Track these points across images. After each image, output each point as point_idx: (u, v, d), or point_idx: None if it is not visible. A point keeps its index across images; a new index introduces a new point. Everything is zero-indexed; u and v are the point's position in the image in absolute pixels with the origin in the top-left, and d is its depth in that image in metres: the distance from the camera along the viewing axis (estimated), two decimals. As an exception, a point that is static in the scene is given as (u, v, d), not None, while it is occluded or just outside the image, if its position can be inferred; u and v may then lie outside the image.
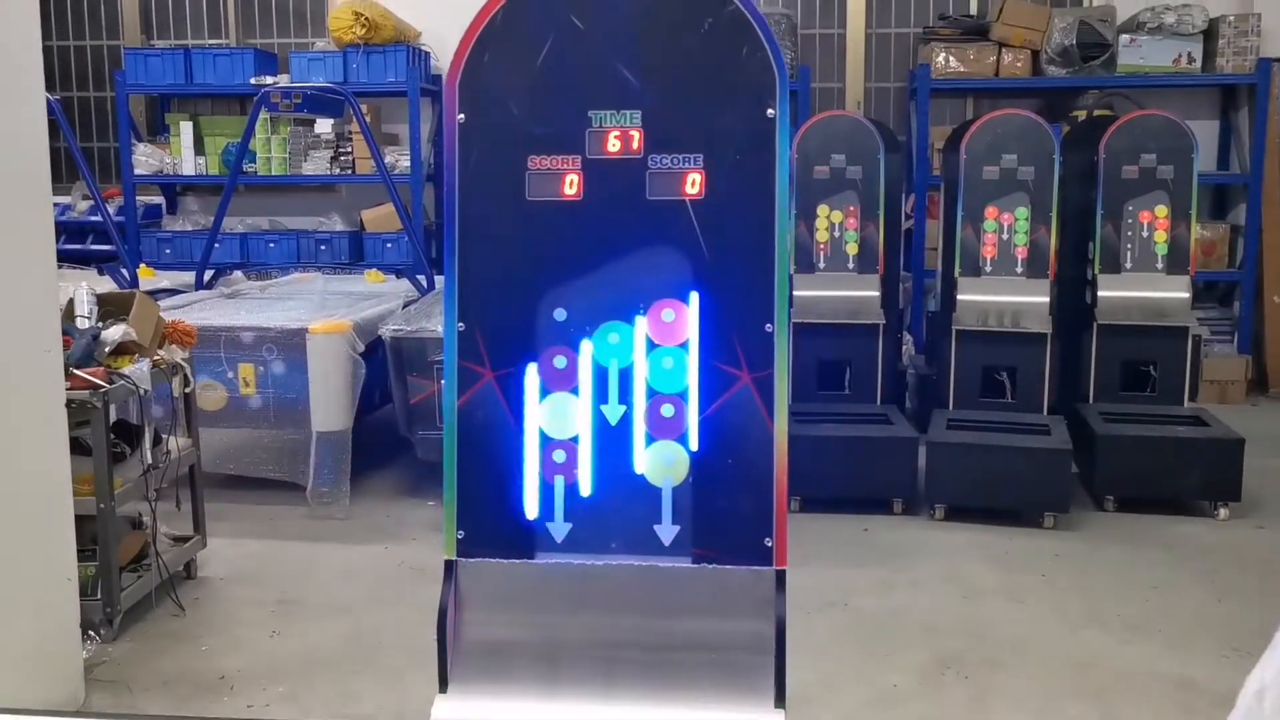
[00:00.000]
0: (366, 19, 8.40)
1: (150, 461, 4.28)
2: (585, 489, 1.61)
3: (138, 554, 4.37)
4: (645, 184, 1.61)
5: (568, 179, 1.61)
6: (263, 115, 8.49)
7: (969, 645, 4.11)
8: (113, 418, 4.23)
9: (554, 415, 1.61)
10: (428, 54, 8.89)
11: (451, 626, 1.63)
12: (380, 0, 8.60)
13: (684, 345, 1.60)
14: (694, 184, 1.60)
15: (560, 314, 1.61)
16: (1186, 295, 6.16)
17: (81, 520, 3.83)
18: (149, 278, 7.51)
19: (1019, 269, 6.01)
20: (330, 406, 5.47)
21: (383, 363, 5.73)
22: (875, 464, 5.60)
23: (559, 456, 1.61)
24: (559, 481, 1.61)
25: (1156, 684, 3.79)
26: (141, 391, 4.13)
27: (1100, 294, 6.18)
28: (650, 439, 1.60)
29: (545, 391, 1.61)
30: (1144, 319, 6.11)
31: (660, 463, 1.59)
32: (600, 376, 1.61)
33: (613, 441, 1.61)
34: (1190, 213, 6.15)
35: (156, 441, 4.43)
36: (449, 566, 1.65)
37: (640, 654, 1.58)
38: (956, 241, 6.09)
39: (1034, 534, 5.31)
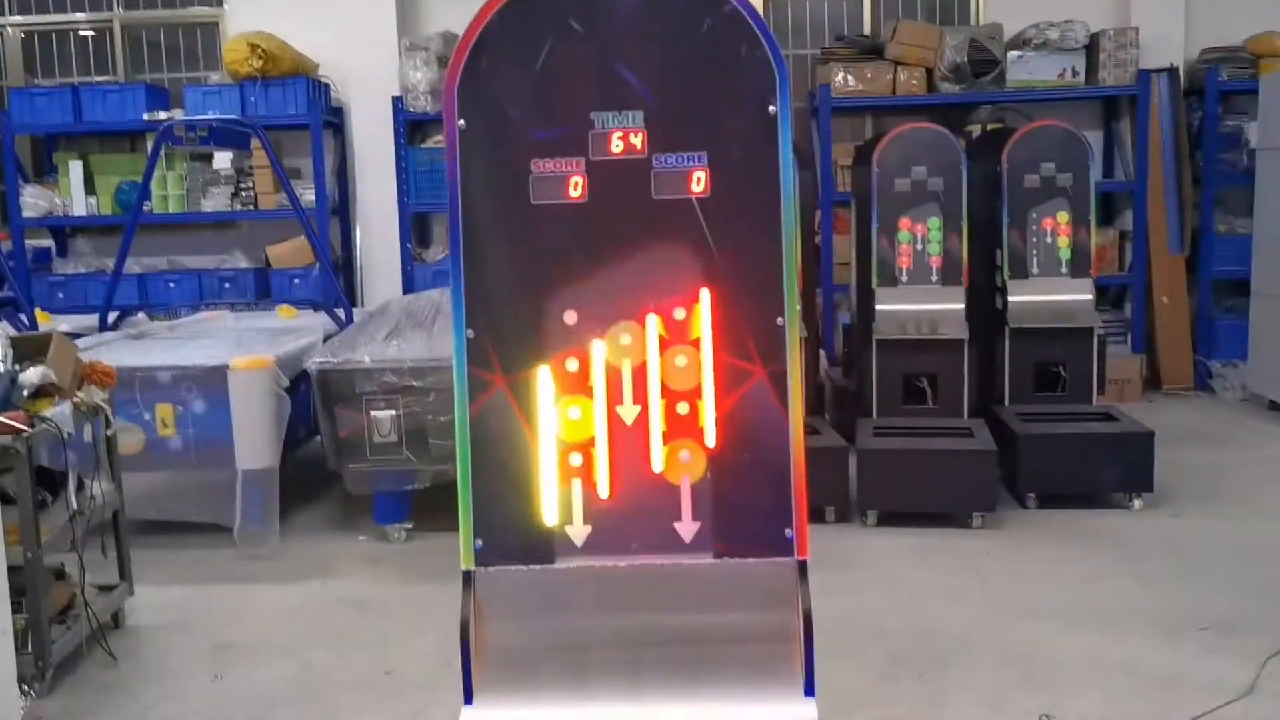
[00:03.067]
0: (263, 51, 8.26)
1: (76, 507, 4.11)
2: (604, 491, 1.60)
3: (65, 605, 4.18)
4: (651, 183, 1.62)
5: (572, 181, 1.61)
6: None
7: (919, 645, 4.18)
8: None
9: (570, 419, 1.60)
10: (327, 85, 8.78)
11: (473, 638, 1.60)
12: (276, 33, 8.47)
13: (697, 342, 1.61)
14: (699, 182, 1.62)
15: (570, 316, 1.61)
16: (1090, 297, 6.41)
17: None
18: (45, 322, 7.21)
19: (934, 278, 6.18)
20: (256, 444, 5.33)
21: (305, 398, 5.61)
22: (807, 474, 5.67)
23: (575, 460, 1.60)
24: (576, 485, 1.61)
25: (1101, 670, 3.91)
26: (65, 435, 3.97)
27: (1010, 299, 6.39)
28: (667, 437, 1.60)
29: (559, 395, 1.60)
30: (1052, 322, 6.34)
31: (678, 461, 1.60)
32: (613, 378, 1.61)
33: (629, 442, 1.61)
34: (1089, 218, 6.41)
35: (79, 487, 4.26)
36: (467, 577, 1.62)
37: (667, 651, 1.58)
38: (873, 253, 6.23)
39: (965, 534, 5.43)
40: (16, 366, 4.02)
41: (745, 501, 1.60)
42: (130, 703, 3.87)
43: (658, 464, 1.59)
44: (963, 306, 6.14)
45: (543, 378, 1.60)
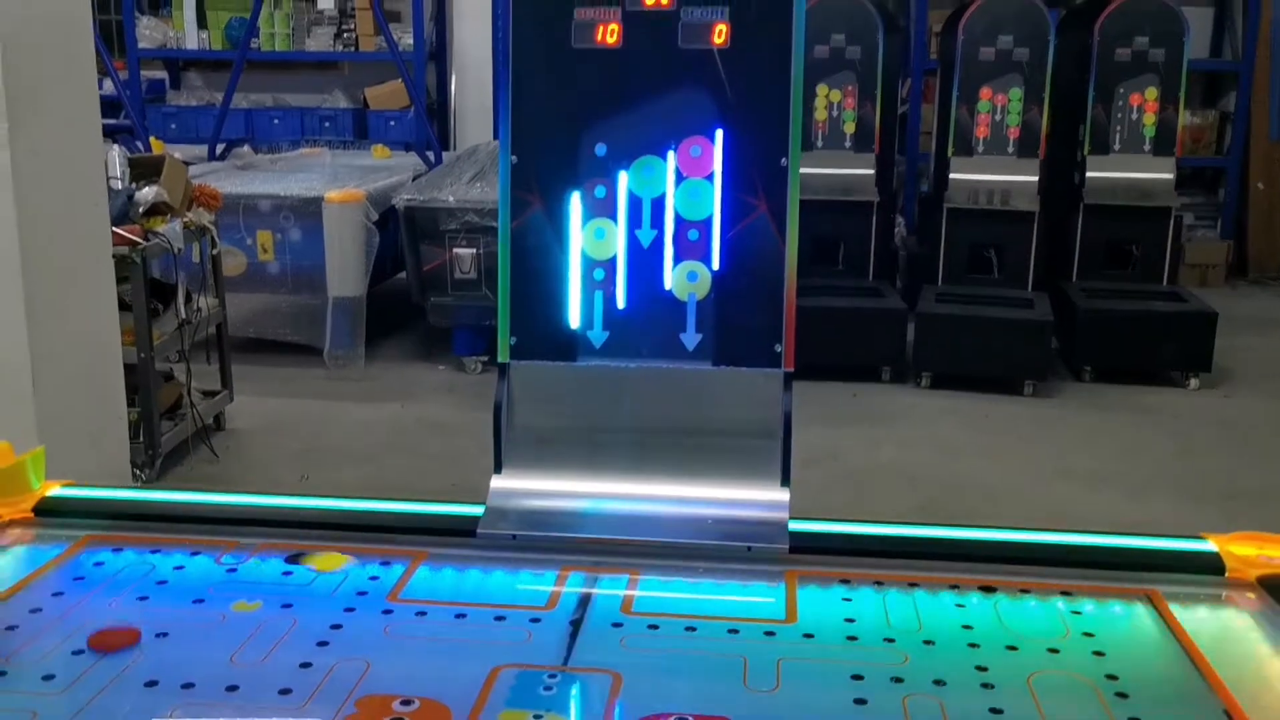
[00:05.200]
0: (369, -108, 8.37)
1: (184, 317, 4.52)
2: (621, 303, 1.85)
3: (173, 405, 4.64)
4: (678, 34, 1.82)
5: (609, 28, 1.82)
6: (266, -11, 8.54)
7: (948, 495, 4.44)
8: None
9: (594, 239, 1.84)
10: (430, -71, 8.87)
11: (505, 419, 1.89)
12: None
13: (709, 177, 1.83)
14: (720, 34, 1.81)
15: (601, 149, 1.83)
16: (1171, 176, 6.38)
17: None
18: (159, 151, 7.63)
19: (1010, 149, 6.21)
20: (346, 273, 5.70)
21: (394, 234, 5.94)
22: (866, 334, 5.88)
23: (599, 275, 1.85)
24: (598, 296, 1.85)
25: (1119, 526, 4.13)
26: (175, 249, 4.36)
27: (1088, 174, 6.39)
28: (678, 259, 1.84)
29: (587, 217, 1.84)
30: (1129, 199, 6.34)
31: (686, 280, 1.83)
32: (635, 205, 1.84)
33: (645, 261, 1.84)
34: (1179, 96, 6.33)
35: (187, 299, 4.67)
36: (503, 368, 1.90)
37: (668, 440, 1.85)
38: (951, 121, 6.27)
39: (1014, 400, 5.62)
40: (133, 185, 4.40)
41: (742, 318, 1.83)
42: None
43: (669, 282, 1.83)
44: (1036, 179, 6.18)
45: (574, 201, 1.84)
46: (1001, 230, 6.25)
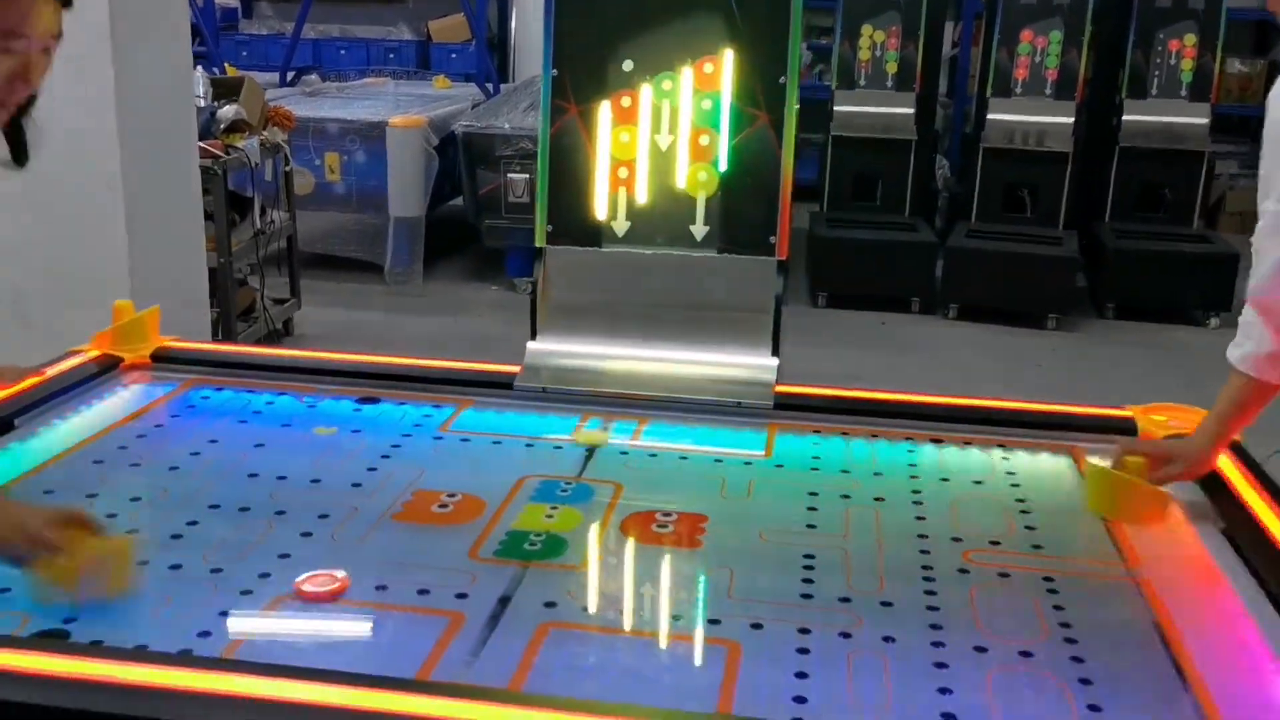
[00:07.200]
0: None
1: (259, 228, 4.92)
2: (641, 198, 2.18)
3: (247, 308, 5.05)
4: (694, -34, 2.14)
5: (635, -37, 2.15)
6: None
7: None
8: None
9: (620, 141, 2.16)
10: None
11: (540, 294, 2.25)
12: None
13: (719, 91, 2.15)
14: (730, -33, 2.12)
15: (628, 65, 2.15)
16: (1205, 122, 6.52)
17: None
18: (233, 75, 8.02)
19: (1048, 91, 6.39)
20: (407, 194, 6.07)
21: (453, 159, 6.29)
22: (897, 266, 6.14)
23: (623, 173, 2.17)
24: (622, 191, 2.18)
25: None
26: (253, 164, 4.74)
27: (1125, 118, 6.55)
28: (690, 161, 2.17)
29: (614, 124, 2.17)
30: (1163, 143, 6.49)
31: (697, 179, 2.16)
32: (655, 113, 2.17)
33: (662, 162, 2.16)
34: (1217, 43, 6.45)
35: (262, 212, 5.06)
36: (539, 252, 2.25)
37: (678, 315, 2.18)
38: (992, 63, 6.46)
39: (1037, 333, 5.87)
40: (215, 103, 4.78)
41: (743, 213, 2.15)
42: (297, 388, 4.75)
43: (681, 181, 2.16)
44: (1071, 121, 6.36)
45: (603, 109, 2.16)
46: (1036, 170, 6.44)
